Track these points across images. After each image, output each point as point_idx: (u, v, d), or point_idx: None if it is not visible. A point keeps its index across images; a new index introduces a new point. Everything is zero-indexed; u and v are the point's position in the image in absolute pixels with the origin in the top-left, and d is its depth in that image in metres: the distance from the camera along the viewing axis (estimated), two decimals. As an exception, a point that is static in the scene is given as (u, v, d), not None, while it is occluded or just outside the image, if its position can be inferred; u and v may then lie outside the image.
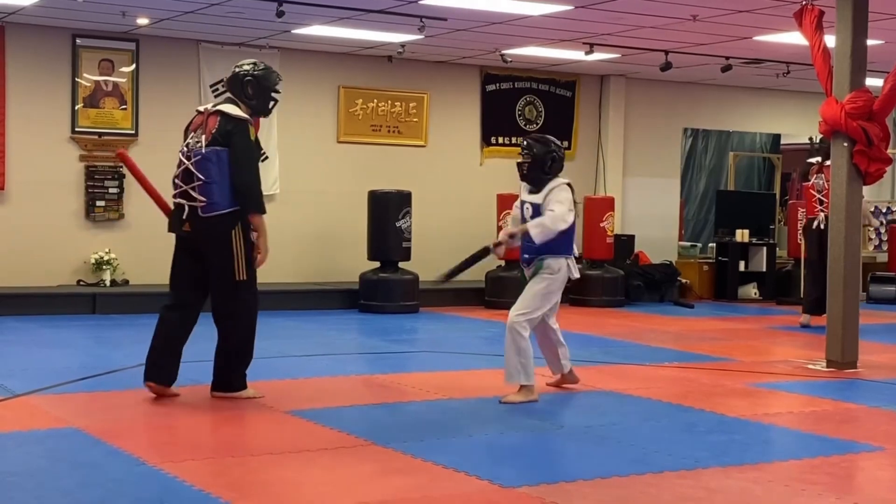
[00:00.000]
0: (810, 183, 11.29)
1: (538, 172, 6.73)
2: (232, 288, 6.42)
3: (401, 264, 12.01)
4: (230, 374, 6.58)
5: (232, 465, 5.04)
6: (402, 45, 11.91)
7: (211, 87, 12.28)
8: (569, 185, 6.77)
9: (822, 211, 10.79)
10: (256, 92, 6.50)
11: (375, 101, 13.12)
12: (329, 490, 4.70)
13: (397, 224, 11.92)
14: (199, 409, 6.38)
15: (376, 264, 12.01)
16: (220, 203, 6.30)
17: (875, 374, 8.18)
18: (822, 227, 10.65)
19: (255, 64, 6.60)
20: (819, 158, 11.08)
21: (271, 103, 6.65)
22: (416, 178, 12.94)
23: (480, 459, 5.34)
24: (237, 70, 6.56)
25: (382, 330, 10.52)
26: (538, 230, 6.55)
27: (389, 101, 13.25)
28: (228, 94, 6.56)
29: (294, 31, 11.42)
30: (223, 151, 6.30)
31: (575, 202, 6.75)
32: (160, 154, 12.15)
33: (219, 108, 6.45)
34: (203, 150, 6.31)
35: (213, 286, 6.49)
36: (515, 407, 6.46)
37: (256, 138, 6.49)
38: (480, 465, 5.12)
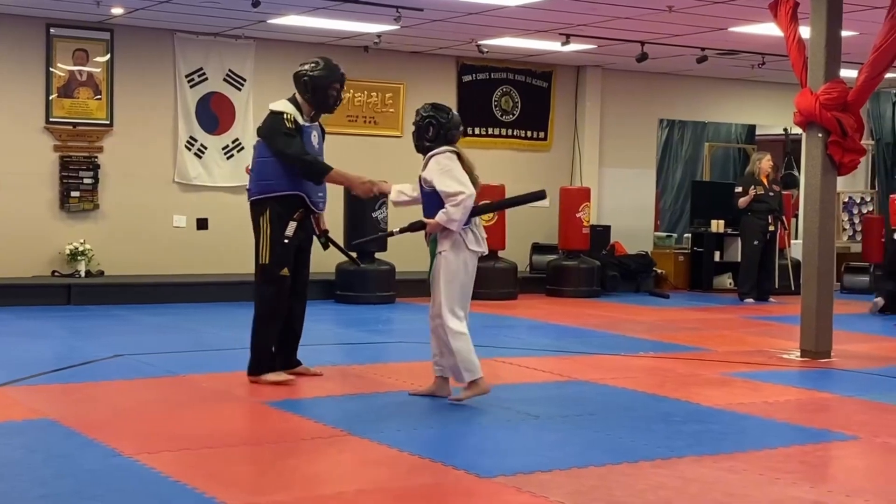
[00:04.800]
0: None
1: (420, 141, 6.35)
2: (258, 271, 6.82)
3: (377, 255, 12.00)
4: (251, 357, 6.81)
5: (208, 457, 5.03)
6: (379, 35, 11.88)
7: (186, 76, 12.23)
8: (455, 152, 6.27)
9: None
10: (314, 90, 6.81)
11: (351, 91, 13.06)
12: (306, 480, 4.70)
13: (374, 214, 11.90)
14: (175, 401, 6.36)
15: (353, 254, 11.97)
16: (254, 190, 6.79)
17: (849, 363, 8.24)
18: None
19: (315, 63, 6.89)
20: None
21: (332, 100, 6.89)
22: (393, 168, 12.88)
23: (457, 449, 5.35)
24: (299, 69, 6.91)
25: (359, 320, 10.52)
26: (452, 223, 6.10)
27: (365, 92, 13.22)
28: (295, 92, 6.90)
29: (270, 22, 11.38)
30: (260, 143, 6.81)
31: (465, 170, 6.22)
32: (135, 144, 12.14)
33: (270, 104, 6.93)
34: (256, 143, 6.93)
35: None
36: (491, 397, 6.46)
37: (298, 124, 6.73)
38: (457, 455, 5.13)
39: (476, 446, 5.51)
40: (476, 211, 6.25)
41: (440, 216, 6.13)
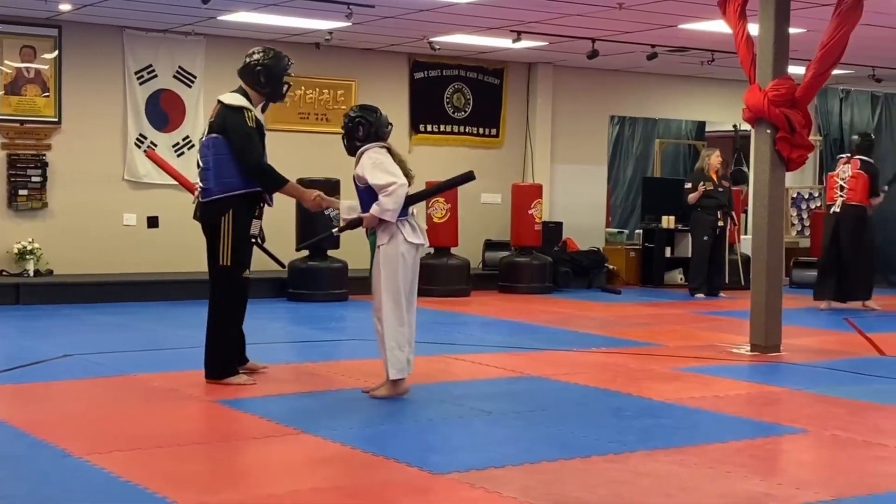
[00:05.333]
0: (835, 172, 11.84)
1: (351, 142, 6.37)
2: (216, 273, 6.64)
3: (329, 252, 11.97)
4: (209, 359, 6.68)
5: (160, 456, 4.98)
6: (330, 32, 11.84)
7: (136, 73, 12.11)
8: (385, 147, 6.32)
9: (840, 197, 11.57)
10: (268, 80, 6.72)
11: (303, 88, 13.03)
12: (258, 479, 4.67)
13: (325, 212, 11.83)
14: (126, 400, 6.30)
15: (305, 252, 11.95)
16: (214, 189, 6.54)
17: (798, 357, 8.34)
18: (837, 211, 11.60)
19: (264, 52, 6.80)
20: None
21: (285, 88, 6.84)
22: (345, 165, 12.76)
23: (410, 446, 5.35)
24: (248, 60, 6.77)
25: (311, 318, 10.48)
26: (386, 213, 6.10)
27: (317, 89, 13.17)
28: (241, 84, 6.74)
29: (220, 18, 11.29)
30: (218, 139, 6.55)
31: (397, 163, 6.24)
32: (84, 142, 11.99)
33: (221, 97, 6.72)
34: (204, 139, 6.71)
35: (208, 268, 6.74)
36: (445, 394, 6.46)
37: (258, 122, 6.66)
38: (410, 452, 5.13)
39: (429, 443, 5.51)
40: (410, 200, 6.23)
41: (374, 208, 6.14)
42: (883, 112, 15.49)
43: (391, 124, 6.53)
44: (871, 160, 11.82)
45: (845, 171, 11.69)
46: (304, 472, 4.83)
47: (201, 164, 6.65)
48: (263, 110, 6.87)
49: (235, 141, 6.52)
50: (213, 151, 6.58)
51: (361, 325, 10.13)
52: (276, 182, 6.62)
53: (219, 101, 6.72)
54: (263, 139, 6.73)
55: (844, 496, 4.52)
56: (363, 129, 6.33)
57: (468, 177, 6.58)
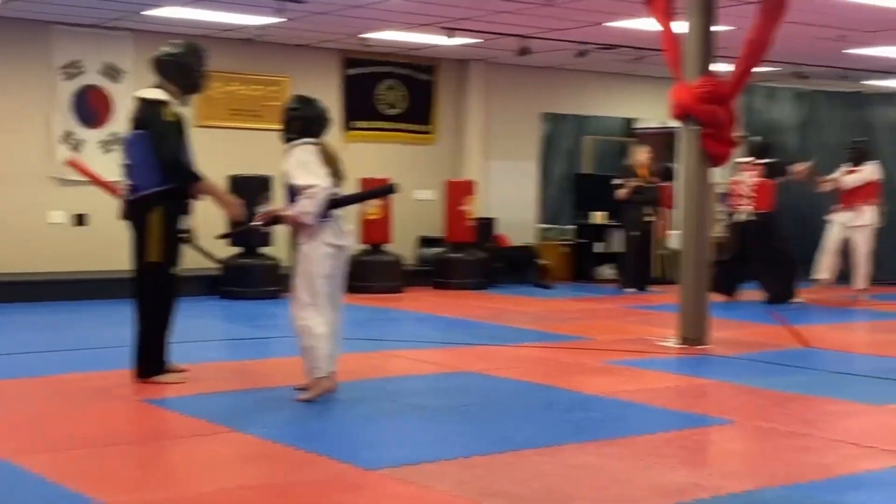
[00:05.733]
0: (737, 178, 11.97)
1: (287, 134, 6.26)
2: (143, 270, 6.54)
3: (262, 249, 11.89)
4: (138, 358, 6.59)
5: (87, 457, 4.92)
6: (262, 27, 11.76)
7: (63, 69, 11.91)
8: (317, 145, 6.18)
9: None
10: (184, 72, 6.63)
11: (235, 84, 12.92)
12: (187, 478, 4.64)
13: (258, 209, 11.76)
14: (52, 400, 6.20)
15: (238, 250, 11.86)
16: (141, 186, 6.47)
17: (724, 349, 8.48)
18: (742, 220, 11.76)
19: (175, 44, 6.72)
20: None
21: (201, 78, 6.74)
22: (277, 162, 12.77)
23: (343, 443, 5.34)
24: (158, 54, 6.69)
25: (244, 316, 10.41)
26: (305, 216, 6.05)
27: (249, 85, 13.07)
28: (157, 79, 6.65)
29: (148, 13, 11.15)
30: (141, 134, 6.48)
31: (329, 161, 6.13)
32: (10, 138, 11.76)
33: (139, 93, 6.65)
34: (127, 136, 6.65)
35: (133, 266, 6.62)
36: (379, 390, 6.47)
37: (179, 116, 6.56)
38: (343, 448, 5.13)
39: (362, 439, 5.51)
40: (334, 203, 6.12)
41: (293, 209, 6.09)
42: (807, 109, 15.77)
43: (330, 119, 6.42)
44: (771, 160, 12.05)
45: (748, 178, 11.85)
46: (234, 470, 4.80)
47: (126, 161, 6.59)
48: (185, 104, 6.76)
49: (154, 135, 6.43)
50: (136, 148, 6.52)
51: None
52: (189, 177, 6.50)
53: (138, 97, 6.66)
54: (184, 134, 6.61)
55: (769, 485, 4.61)
56: (298, 123, 6.23)
57: (390, 189, 6.56)
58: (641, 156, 13.20)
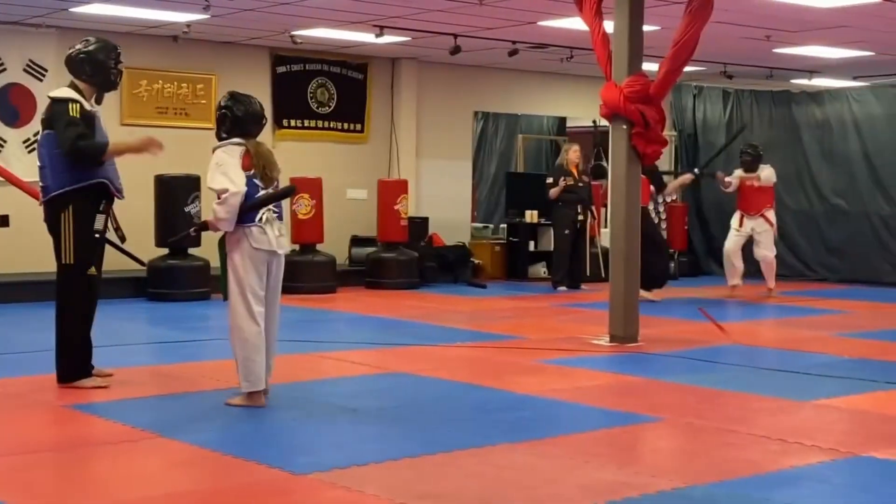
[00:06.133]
0: None
1: (218, 132, 6.10)
2: (60, 272, 6.41)
3: (190, 250, 11.73)
4: (59, 362, 6.46)
5: (6, 466, 4.79)
6: (188, 24, 11.60)
7: (-17, 66, 11.66)
8: (242, 146, 5.99)
9: None
10: (94, 68, 6.49)
11: (161, 82, 12.74)
12: (111, 486, 4.54)
13: (186, 209, 11.64)
14: (-28, 408, 6.05)
15: (165, 251, 11.70)
16: (52, 186, 6.34)
17: (654, 347, 8.54)
18: None
19: (87, 41, 6.58)
20: None
21: (114, 74, 6.60)
22: (205, 161, 12.55)
23: (272, 447, 5.28)
24: (70, 52, 6.56)
25: (172, 318, 10.25)
26: (220, 222, 5.93)
27: (175, 83, 12.89)
28: (71, 79, 6.52)
29: (73, 10, 10.93)
30: (50, 134, 6.37)
31: (260, 162, 5.97)
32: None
33: (50, 93, 6.56)
34: (39, 136, 6.56)
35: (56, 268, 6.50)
36: (310, 392, 6.40)
37: (87, 113, 6.40)
38: (272, 453, 5.06)
39: (292, 443, 5.44)
40: (253, 205, 5.91)
41: (210, 215, 5.98)
42: (734, 108, 15.99)
43: (262, 116, 6.22)
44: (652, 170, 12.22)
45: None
46: (160, 477, 4.71)
47: (39, 162, 6.47)
48: (98, 101, 6.61)
49: (57, 130, 6.30)
50: (46, 149, 6.39)
51: (224, 323, 9.93)
52: (97, 151, 6.34)
53: (49, 97, 6.56)
54: (94, 130, 6.44)
55: (698, 483, 4.64)
56: (228, 121, 6.06)
57: (290, 190, 6.39)
58: (572, 155, 13.25)
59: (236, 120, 6.06)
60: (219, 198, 5.90)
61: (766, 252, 12.54)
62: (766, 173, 12.61)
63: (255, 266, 5.95)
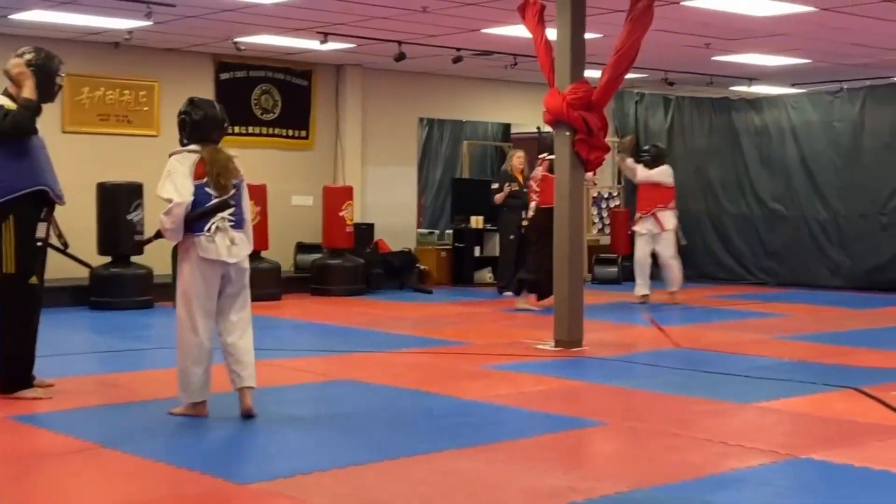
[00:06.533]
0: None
1: (180, 138, 6.02)
2: (1, 281, 6.29)
3: (133, 258, 11.64)
4: (3, 373, 6.37)
5: (-53, 479, 4.73)
6: (130, 31, 11.51)
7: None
8: (197, 153, 5.90)
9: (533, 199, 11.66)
10: (40, 80, 6.36)
11: (103, 89, 12.63)
12: (52, 498, 4.49)
13: (129, 217, 11.54)
14: None
15: (107, 259, 11.59)
16: None
17: (599, 351, 8.62)
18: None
19: (34, 52, 6.46)
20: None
21: (55, 88, 6.51)
22: (149, 169, 12.45)
23: (216, 457, 5.26)
24: (9, 63, 6.42)
25: (115, 327, 10.16)
26: (166, 232, 5.87)
27: (118, 90, 12.78)
28: (6, 87, 6.40)
29: (12, 17, 10.80)
30: None
31: (215, 169, 5.89)
32: None
33: None
34: None
35: None
36: (256, 401, 6.36)
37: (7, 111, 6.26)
38: (216, 463, 5.04)
39: (237, 453, 5.43)
40: (195, 216, 5.82)
41: (162, 227, 5.90)
42: (675, 114, 16.18)
43: (224, 121, 6.14)
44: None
45: (536, 173, 11.93)
46: (103, 489, 4.67)
47: None
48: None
49: None
50: None
51: (168, 332, 9.84)
52: (30, 110, 6.20)
53: None
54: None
55: (641, 486, 4.69)
56: (186, 127, 5.99)
57: (225, 204, 6.04)
58: (516, 161, 13.31)
59: (195, 125, 5.99)
60: (165, 209, 5.84)
61: (664, 254, 12.35)
62: (657, 171, 12.53)
63: (203, 276, 5.86)
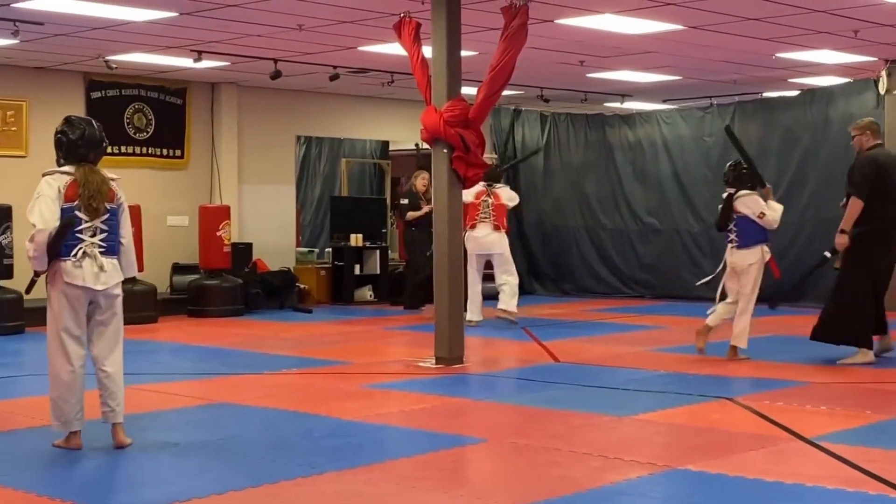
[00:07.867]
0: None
1: (57, 158, 5.83)
2: None
3: (2, 283, 11.25)
4: None
5: None
6: (-5, 49, 11.16)
7: None
8: (68, 174, 5.70)
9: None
10: None
11: (-33, 108, 12.20)
12: (-84, 538, 4.30)
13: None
14: None
15: (-30, 284, 11.19)
16: None
17: (480, 367, 8.66)
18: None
19: None
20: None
21: None
22: (18, 190, 12.11)
23: (90, 486, 5.11)
24: None
25: (-18, 354, 9.81)
26: (31, 260, 5.68)
27: (-16, 109, 12.37)
28: None
29: None
30: None
31: (89, 191, 5.68)
32: None
33: None
34: None
35: None
36: (130, 428, 6.19)
37: None
38: (89, 492, 4.90)
39: (111, 482, 5.29)
40: (57, 240, 5.60)
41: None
42: (551, 130, 16.42)
43: (103, 140, 5.94)
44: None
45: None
46: (-31, 524, 4.49)
47: None
48: None
49: None
50: None
51: (41, 358, 9.53)
52: None
53: None
54: None
55: (524, 503, 4.72)
56: (62, 147, 5.78)
57: (66, 225, 5.70)
58: (421, 182, 13.24)
59: (71, 145, 5.79)
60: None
61: (499, 273, 11.79)
62: (498, 191, 12.03)
63: (69, 303, 5.68)
